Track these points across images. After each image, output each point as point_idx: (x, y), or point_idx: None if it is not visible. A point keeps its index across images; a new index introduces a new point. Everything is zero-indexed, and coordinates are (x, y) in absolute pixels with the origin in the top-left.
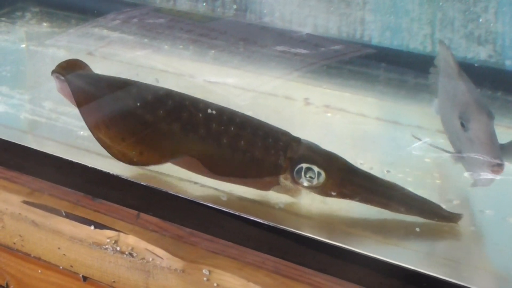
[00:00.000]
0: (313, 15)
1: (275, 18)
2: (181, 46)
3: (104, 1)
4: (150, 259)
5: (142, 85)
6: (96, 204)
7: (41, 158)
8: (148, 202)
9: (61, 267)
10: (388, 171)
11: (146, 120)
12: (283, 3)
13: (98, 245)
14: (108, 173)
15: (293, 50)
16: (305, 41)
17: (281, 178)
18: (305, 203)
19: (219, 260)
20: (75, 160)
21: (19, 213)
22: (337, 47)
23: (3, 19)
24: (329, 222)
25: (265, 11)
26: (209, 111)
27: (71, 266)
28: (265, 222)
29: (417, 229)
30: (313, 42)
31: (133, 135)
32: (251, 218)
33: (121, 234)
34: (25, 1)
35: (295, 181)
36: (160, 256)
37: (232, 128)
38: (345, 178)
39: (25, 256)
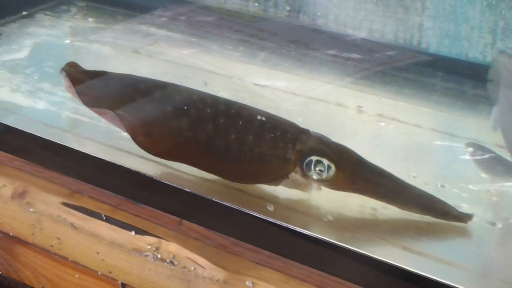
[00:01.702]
0: (369, 19)
1: (328, 21)
2: (230, 47)
3: None
4: (192, 268)
5: (149, 81)
6: (138, 208)
7: (82, 159)
8: (192, 209)
9: (99, 273)
10: (442, 186)
11: (152, 113)
12: (338, 5)
13: (138, 251)
14: (151, 177)
15: (346, 54)
16: (359, 45)
17: (291, 172)
18: (354, 215)
19: (264, 272)
20: (117, 162)
21: (58, 215)
22: (392, 53)
23: (48, 13)
24: (380, 237)
25: (319, 13)
26: (217, 105)
27: (110, 272)
28: (313, 235)
29: None
30: (368, 47)
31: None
32: (298, 229)
33: (163, 241)
34: None
35: (305, 175)
36: (202, 266)
37: (240, 122)
38: (356, 172)
39: (63, 260)
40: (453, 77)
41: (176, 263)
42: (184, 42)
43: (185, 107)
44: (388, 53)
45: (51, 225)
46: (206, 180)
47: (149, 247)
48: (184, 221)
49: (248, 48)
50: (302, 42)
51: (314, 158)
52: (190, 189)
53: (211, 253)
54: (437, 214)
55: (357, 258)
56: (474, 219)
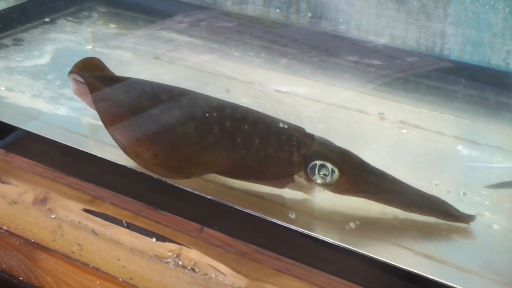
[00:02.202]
0: (390, 26)
1: (350, 27)
2: (252, 53)
3: (172, 3)
4: (213, 275)
5: (156, 85)
6: (159, 215)
7: (103, 165)
8: (213, 216)
9: (120, 279)
10: (464, 193)
11: (160, 120)
12: (360, 12)
13: (159, 258)
14: (173, 184)
15: (367, 61)
16: (380, 52)
17: (296, 175)
18: (376, 223)
19: (285, 280)
20: (138, 169)
21: (79, 222)
22: (414, 60)
23: (69, 18)
24: (402, 245)
25: (341, 20)
26: (223, 109)
27: (131, 279)
28: (335, 243)
29: None
30: (389, 53)
31: (148, 135)
32: (320, 237)
33: (184, 247)
34: (93, 1)
35: (309, 178)
36: (223, 273)
37: (246, 126)
38: (359, 176)
39: (83, 266)
40: (476, 84)
41: (197, 270)
42: (205, 48)
43: (191, 113)
44: (409, 60)
45: (72, 232)
46: (228, 187)
47: (170, 254)
48: (206, 228)
49: (269, 54)
50: (323, 48)
51: (318, 162)
52: (211, 196)
53: (232, 260)
54: (439, 215)
55: (379, 266)
56: (496, 227)
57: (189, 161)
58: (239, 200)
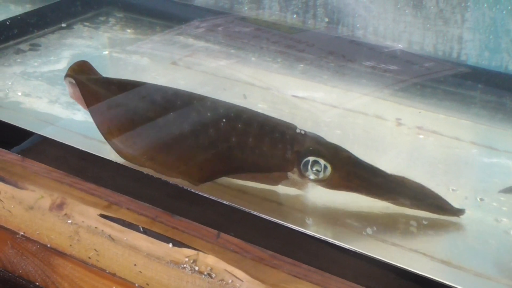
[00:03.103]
0: (408, 31)
1: (368, 33)
2: (269, 58)
3: (189, 8)
4: (230, 281)
5: (150, 86)
6: (175, 221)
7: (119, 170)
8: (230, 221)
9: (136, 285)
10: (481, 199)
11: (155, 122)
12: (377, 17)
13: (176, 263)
14: (188, 189)
15: (384, 66)
16: (397, 57)
17: (289, 172)
18: (394, 229)
19: (301, 285)
20: (155, 175)
21: (96, 227)
22: (431, 65)
23: (86, 24)
24: (419, 251)
25: (358, 25)
26: (217, 109)
27: (147, 284)
28: (351, 248)
29: None
30: (406, 59)
31: (143, 138)
32: (337, 243)
33: (200, 253)
34: (110, 6)
35: (302, 175)
36: (240, 278)
37: (239, 125)
38: (351, 171)
39: (100, 272)
40: (493, 90)
41: (213, 275)
42: (222, 53)
43: (186, 115)
44: (427, 65)
45: (88, 237)
46: (244, 192)
47: (187, 259)
48: (222, 234)
49: (286, 59)
50: (340, 53)
51: (311, 158)
52: (228, 202)
53: (249, 266)
54: (430, 209)
55: (396, 272)
56: None
57: (186, 163)
58: (256, 205)
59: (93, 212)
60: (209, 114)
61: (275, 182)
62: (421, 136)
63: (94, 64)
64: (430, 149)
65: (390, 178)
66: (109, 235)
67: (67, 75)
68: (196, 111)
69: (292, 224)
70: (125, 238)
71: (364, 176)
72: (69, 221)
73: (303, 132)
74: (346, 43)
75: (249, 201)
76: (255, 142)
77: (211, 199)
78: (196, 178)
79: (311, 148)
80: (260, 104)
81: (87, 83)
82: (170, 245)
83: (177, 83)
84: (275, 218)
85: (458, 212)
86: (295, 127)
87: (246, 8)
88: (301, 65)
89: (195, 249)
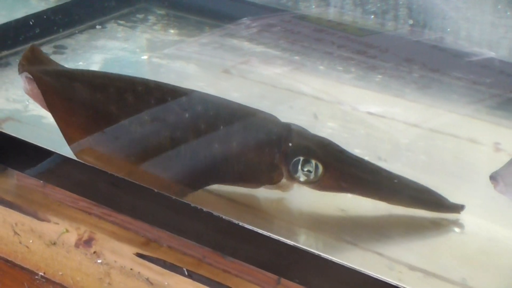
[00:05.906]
0: (509, 37)
1: (459, 38)
2: (340, 67)
3: (241, 4)
4: None
5: (115, 77)
6: (227, 262)
7: (159, 200)
8: (293, 265)
9: None
10: None
11: (124, 120)
12: (473, 21)
13: None
14: (243, 226)
15: (477, 78)
16: (494, 67)
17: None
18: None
19: None
20: (204, 208)
21: (131, 268)
22: None
23: (121, 22)
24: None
25: (448, 29)
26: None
27: None
28: None
29: None
30: (504, 70)
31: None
32: None
33: None
34: (149, 1)
35: (291, 176)
36: None
37: (221, 127)
38: (344, 171)
39: None
40: None
41: None
42: (282, 60)
43: (158, 110)
44: None
45: (122, 280)
46: (310, 229)
47: None
48: (283, 280)
49: (358, 68)
50: (419, 60)
51: (301, 158)
52: (292, 242)
53: None
54: (428, 206)
55: None
56: None
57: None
58: (326, 246)
59: (128, 250)
60: (187, 115)
61: (256, 186)
62: None
63: (131, 71)
64: None
65: (388, 175)
66: (147, 279)
67: (22, 68)
68: (175, 113)
69: (369, 271)
70: (166, 283)
71: (359, 175)
72: (99, 261)
73: (287, 126)
74: (427, 49)
75: (317, 238)
76: (239, 149)
77: (271, 238)
78: (175, 190)
79: (300, 146)
80: (329, 122)
81: (48, 78)
82: None
83: (230, 95)
84: (349, 263)
85: (458, 208)
86: (277, 120)
87: (313, 6)
88: (378, 76)
89: None
